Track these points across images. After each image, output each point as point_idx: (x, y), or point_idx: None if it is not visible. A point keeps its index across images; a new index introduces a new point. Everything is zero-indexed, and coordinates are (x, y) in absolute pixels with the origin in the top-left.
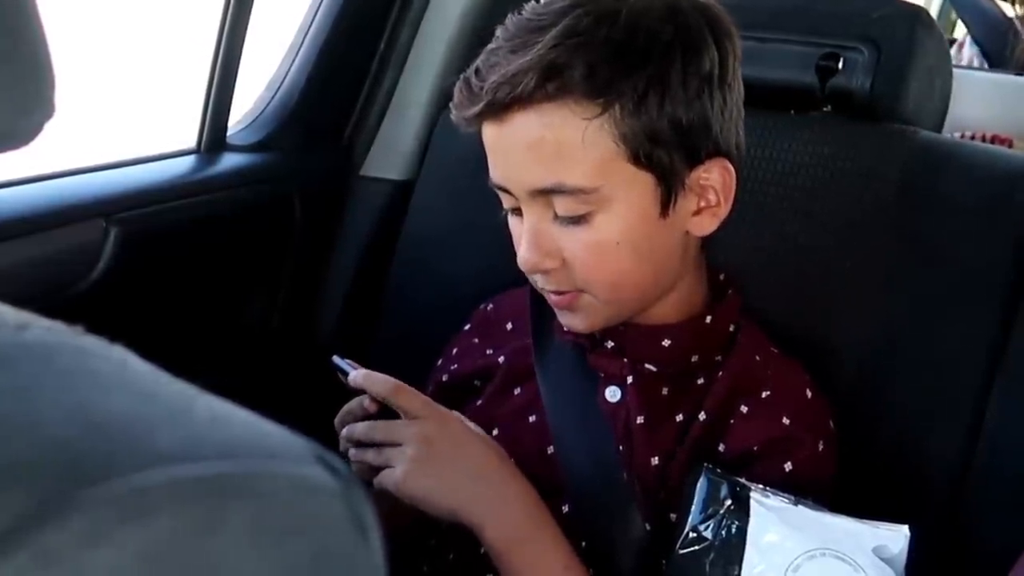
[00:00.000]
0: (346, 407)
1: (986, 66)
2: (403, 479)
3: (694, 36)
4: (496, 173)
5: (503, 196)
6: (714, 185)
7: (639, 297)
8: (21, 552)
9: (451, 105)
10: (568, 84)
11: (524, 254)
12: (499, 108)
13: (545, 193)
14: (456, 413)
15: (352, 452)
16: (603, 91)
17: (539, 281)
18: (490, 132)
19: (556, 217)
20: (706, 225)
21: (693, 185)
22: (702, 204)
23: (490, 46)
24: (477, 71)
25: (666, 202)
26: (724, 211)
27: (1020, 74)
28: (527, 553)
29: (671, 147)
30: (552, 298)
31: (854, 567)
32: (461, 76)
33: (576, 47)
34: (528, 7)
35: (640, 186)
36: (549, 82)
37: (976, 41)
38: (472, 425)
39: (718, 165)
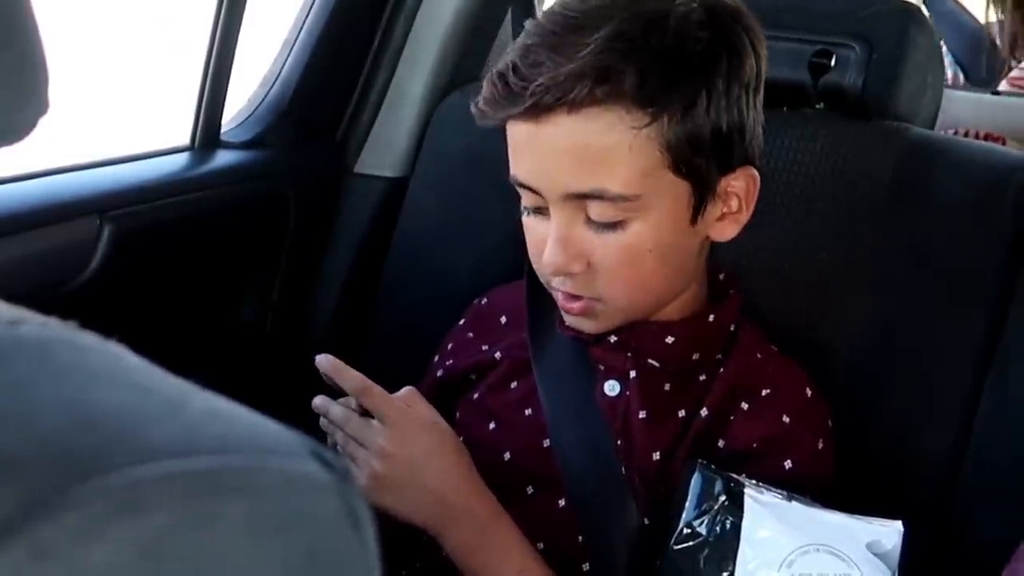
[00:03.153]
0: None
1: (961, 76)
2: (364, 491)
3: (736, 43)
4: (524, 172)
5: (525, 194)
6: (738, 192)
7: (654, 302)
8: (15, 547)
9: (481, 99)
10: (619, 91)
11: (550, 257)
12: (543, 110)
13: (580, 197)
14: (424, 413)
15: (326, 424)
16: (654, 100)
17: (555, 282)
18: (523, 131)
19: (587, 221)
20: (728, 231)
21: (721, 192)
22: (725, 210)
23: (524, 41)
24: (515, 69)
25: (697, 209)
26: (745, 217)
27: (997, 91)
28: (482, 560)
29: (709, 155)
30: (564, 301)
31: (848, 563)
32: (493, 71)
33: (627, 53)
34: (559, 3)
35: (677, 194)
36: (600, 88)
37: (950, 51)
38: (441, 425)
39: (745, 172)
